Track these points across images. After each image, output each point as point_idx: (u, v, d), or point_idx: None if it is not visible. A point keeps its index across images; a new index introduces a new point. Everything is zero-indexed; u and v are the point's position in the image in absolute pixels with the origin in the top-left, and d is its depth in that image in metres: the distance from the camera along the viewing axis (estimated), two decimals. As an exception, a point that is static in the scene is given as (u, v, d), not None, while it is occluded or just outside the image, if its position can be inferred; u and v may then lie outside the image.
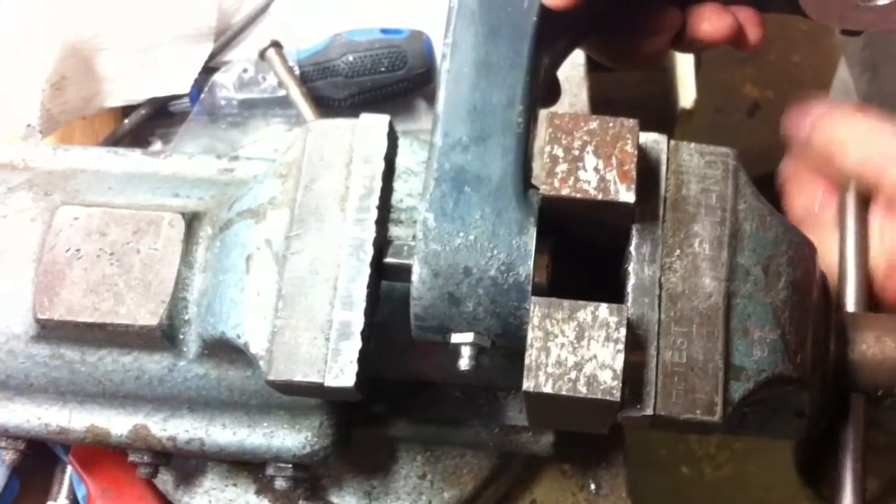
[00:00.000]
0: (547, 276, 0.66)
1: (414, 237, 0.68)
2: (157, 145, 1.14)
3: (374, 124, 0.73)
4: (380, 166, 0.71)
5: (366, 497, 0.90)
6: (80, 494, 0.99)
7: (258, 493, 0.91)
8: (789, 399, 0.75)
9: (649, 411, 0.63)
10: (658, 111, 1.52)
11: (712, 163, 0.68)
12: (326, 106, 1.10)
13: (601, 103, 1.23)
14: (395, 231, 0.86)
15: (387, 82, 1.09)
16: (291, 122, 1.10)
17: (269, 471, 0.84)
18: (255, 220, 0.75)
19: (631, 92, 1.44)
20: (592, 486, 0.97)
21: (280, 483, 0.84)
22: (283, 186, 0.74)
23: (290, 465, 0.83)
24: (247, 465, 0.91)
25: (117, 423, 0.83)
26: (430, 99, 1.12)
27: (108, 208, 0.82)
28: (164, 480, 0.93)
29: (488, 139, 0.68)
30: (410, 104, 1.13)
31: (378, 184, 0.71)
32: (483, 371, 0.69)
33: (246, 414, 0.82)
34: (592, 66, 1.19)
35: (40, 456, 0.95)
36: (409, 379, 0.85)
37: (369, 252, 0.69)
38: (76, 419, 0.83)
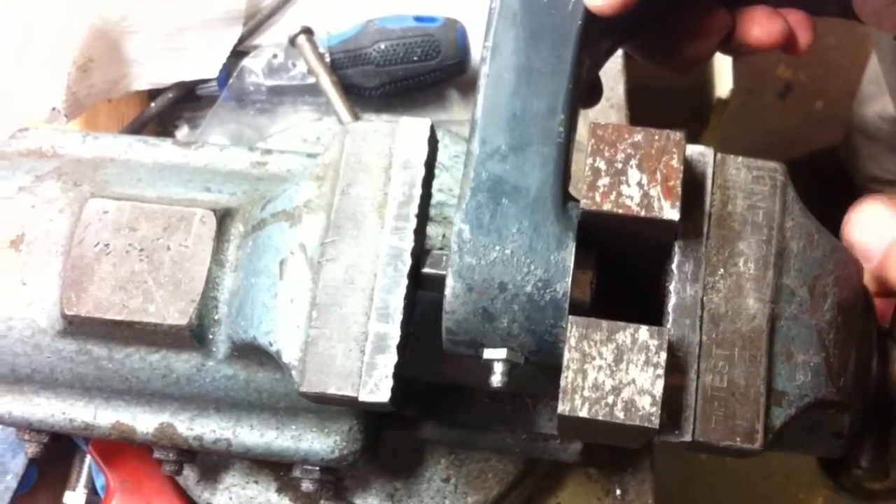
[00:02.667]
0: (591, 293, 0.64)
1: (446, 242, 0.66)
2: (184, 130, 1.13)
3: (415, 128, 0.71)
4: (420, 172, 0.70)
5: (388, 499, 0.90)
6: (98, 484, 0.99)
7: (279, 490, 0.90)
8: (828, 420, 0.73)
9: (688, 437, 0.62)
10: (694, 100, 1.49)
11: (760, 178, 0.66)
12: (356, 94, 1.07)
13: (638, 90, 1.20)
14: (424, 229, 0.84)
15: (419, 72, 1.06)
16: (321, 111, 1.09)
17: (296, 472, 0.83)
18: (290, 223, 0.73)
19: (667, 80, 1.41)
20: (618, 492, 0.96)
21: (307, 485, 0.83)
22: (320, 190, 0.72)
23: (318, 468, 0.82)
24: (269, 463, 0.91)
25: (143, 421, 0.82)
26: (463, 89, 1.10)
27: (138, 202, 0.80)
28: (185, 476, 0.92)
29: (527, 148, 0.66)
30: (442, 94, 1.11)
31: (418, 191, 0.69)
32: (513, 378, 0.68)
33: (274, 416, 0.81)
34: (629, 55, 1.16)
35: (59, 444, 0.94)
36: (438, 382, 0.83)
37: (407, 262, 0.67)
38: (101, 415, 0.83)
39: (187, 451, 0.84)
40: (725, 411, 0.62)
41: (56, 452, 0.98)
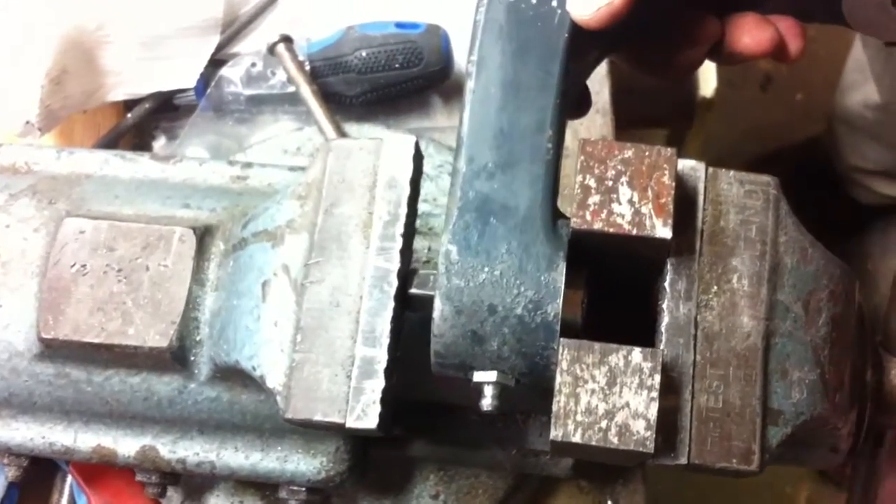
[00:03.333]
0: (581, 312, 0.63)
1: (432, 255, 0.64)
2: (161, 140, 1.10)
3: (400, 145, 0.69)
4: (405, 191, 0.68)
5: (377, 517, 0.88)
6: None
7: (265, 510, 0.88)
8: (824, 436, 0.72)
9: (683, 460, 0.60)
10: (679, 100, 1.48)
11: (752, 192, 0.65)
12: (338, 103, 1.05)
13: (623, 91, 1.19)
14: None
15: (401, 79, 1.04)
16: (301, 120, 1.06)
17: (282, 493, 0.81)
18: (272, 243, 0.71)
19: (652, 81, 1.40)
20: (609, 503, 0.95)
21: (293, 506, 0.81)
22: (303, 209, 0.71)
23: (304, 489, 0.80)
24: (255, 483, 0.88)
25: (124, 444, 0.80)
26: (447, 96, 1.08)
27: (116, 222, 0.78)
28: (169, 497, 0.90)
29: (516, 166, 0.64)
30: (426, 102, 1.09)
31: (404, 210, 0.67)
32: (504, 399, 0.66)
33: (259, 437, 0.79)
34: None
35: (39, 466, 0.92)
36: (427, 400, 0.82)
37: (394, 284, 0.66)
38: (81, 439, 0.81)
39: (170, 474, 0.82)
40: (721, 432, 0.61)
41: (37, 472, 0.96)
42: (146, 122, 1.10)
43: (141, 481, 0.83)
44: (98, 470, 0.94)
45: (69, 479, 0.98)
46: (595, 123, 1.06)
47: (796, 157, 2.41)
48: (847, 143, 2.24)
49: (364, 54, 1.03)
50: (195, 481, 0.90)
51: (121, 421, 0.80)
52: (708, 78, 1.45)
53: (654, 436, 0.58)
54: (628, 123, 1.16)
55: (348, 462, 0.79)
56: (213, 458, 0.79)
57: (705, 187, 0.65)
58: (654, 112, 1.47)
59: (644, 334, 0.63)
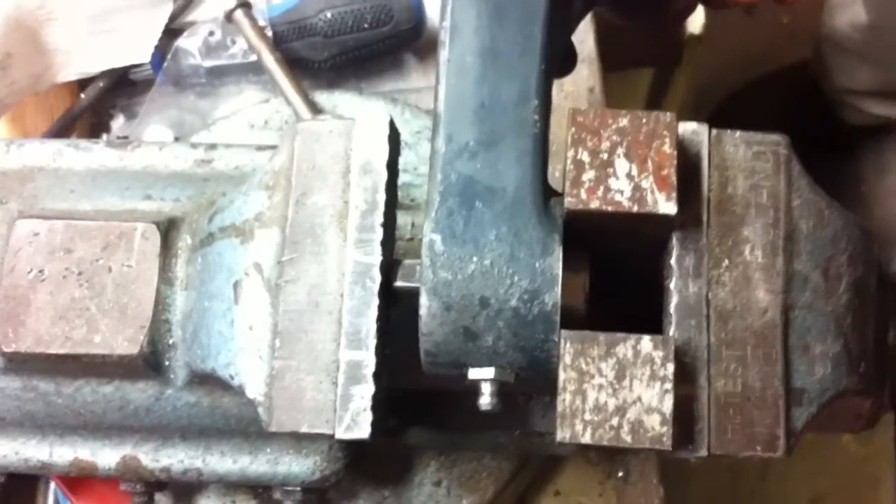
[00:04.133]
0: (585, 299, 0.57)
1: (416, 232, 0.59)
2: (120, 120, 1.04)
3: (373, 126, 0.63)
4: (382, 176, 0.62)
5: (377, 508, 0.84)
6: (65, 510, 0.92)
7: (259, 509, 0.84)
8: (849, 405, 0.68)
9: (703, 452, 0.56)
10: (666, 38, 1.41)
11: (761, 153, 0.59)
12: (304, 69, 0.99)
13: (608, 35, 1.11)
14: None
15: (371, 40, 0.97)
16: (268, 90, 1.00)
17: (277, 495, 0.77)
18: (241, 239, 0.66)
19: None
20: (620, 474, 0.91)
21: (289, 507, 0.77)
22: (271, 200, 0.65)
23: (299, 489, 0.76)
24: (247, 481, 0.84)
25: (104, 456, 0.76)
26: (421, 55, 1.02)
27: (72, 221, 0.73)
28: (157, 500, 0.86)
29: (500, 142, 0.59)
30: (399, 62, 1.02)
31: (382, 197, 0.62)
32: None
33: (246, 440, 0.75)
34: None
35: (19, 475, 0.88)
36: (421, 387, 0.77)
37: (376, 279, 0.60)
38: (58, 453, 0.76)
39: (156, 482, 0.77)
40: (742, 419, 0.56)
41: (19, 481, 0.92)
42: (102, 102, 1.04)
43: (126, 491, 0.78)
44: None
45: (53, 484, 0.93)
46: (581, 75, 0.99)
47: (784, 82, 2.35)
48: (836, 64, 2.18)
49: (329, 15, 0.96)
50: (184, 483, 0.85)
51: (97, 432, 0.76)
52: (695, 14, 1.38)
53: (670, 431, 0.53)
54: (614, 66, 1.09)
55: (343, 460, 0.75)
56: (199, 465, 0.75)
57: (709, 152, 0.59)
58: (640, 53, 1.40)
59: (650, 318, 0.58)
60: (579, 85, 1.00)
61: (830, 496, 1.83)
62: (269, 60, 0.95)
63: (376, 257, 0.61)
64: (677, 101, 1.68)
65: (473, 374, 0.59)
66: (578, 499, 0.91)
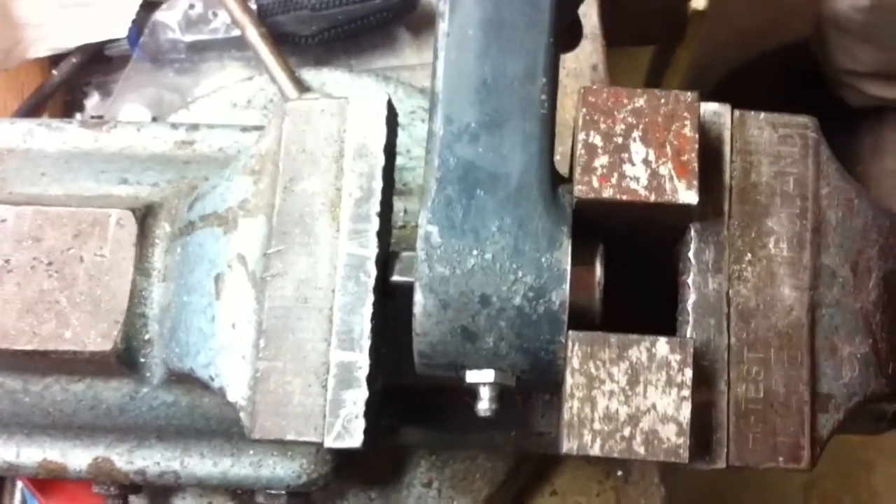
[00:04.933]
0: (599, 297, 0.53)
1: (409, 219, 0.55)
2: (95, 98, 0.99)
3: (369, 105, 0.59)
4: (379, 161, 0.58)
5: (364, 510, 0.79)
6: (32, 509, 0.88)
7: (237, 510, 0.80)
8: (872, 408, 0.63)
9: (721, 463, 0.52)
10: (670, 14, 1.36)
11: (787, 137, 0.55)
12: (291, 44, 0.94)
13: (610, 9, 1.06)
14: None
15: (362, 13, 0.92)
16: (251, 66, 0.95)
17: (259, 499, 0.73)
18: (223, 228, 0.61)
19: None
20: (620, 473, 0.86)
21: (273, 512, 0.72)
22: (257, 186, 0.60)
23: (284, 493, 0.71)
24: (226, 483, 0.80)
25: (74, 457, 0.72)
26: (415, 29, 0.97)
27: (42, 206, 0.68)
28: (132, 502, 0.81)
29: (504, 124, 0.54)
30: (391, 36, 0.97)
31: (378, 184, 0.57)
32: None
33: (227, 441, 0.70)
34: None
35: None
36: (414, 385, 0.73)
37: (372, 273, 0.56)
38: (25, 454, 0.72)
39: (131, 485, 0.73)
40: (764, 427, 0.52)
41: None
42: (76, 79, 0.99)
43: (99, 494, 0.74)
44: (51, 474, 0.85)
45: (20, 483, 0.89)
46: (584, 51, 0.94)
47: (783, 61, 2.32)
48: (837, 45, 2.15)
49: (317, -13, 0.91)
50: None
51: (68, 432, 0.72)
52: (699, -12, 1.33)
53: (687, 442, 0.49)
54: (616, 42, 1.04)
55: (332, 462, 0.70)
56: (177, 467, 0.71)
57: (732, 135, 0.54)
58: (643, 29, 1.36)
59: (663, 317, 0.53)
60: (582, 62, 0.95)
61: (824, 481, 1.80)
62: (253, 35, 0.90)
63: (372, 249, 0.56)
64: (678, 79, 1.63)
65: (471, 377, 0.54)
66: (576, 499, 0.87)
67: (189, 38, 0.95)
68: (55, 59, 0.98)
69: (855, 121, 2.16)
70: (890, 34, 1.88)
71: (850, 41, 2.11)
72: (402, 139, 0.85)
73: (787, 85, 2.10)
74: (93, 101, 0.99)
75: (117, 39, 0.96)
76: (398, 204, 0.75)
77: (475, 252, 0.52)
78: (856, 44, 2.11)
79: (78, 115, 0.99)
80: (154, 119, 0.92)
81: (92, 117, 0.96)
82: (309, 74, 0.90)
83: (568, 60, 0.93)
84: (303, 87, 0.88)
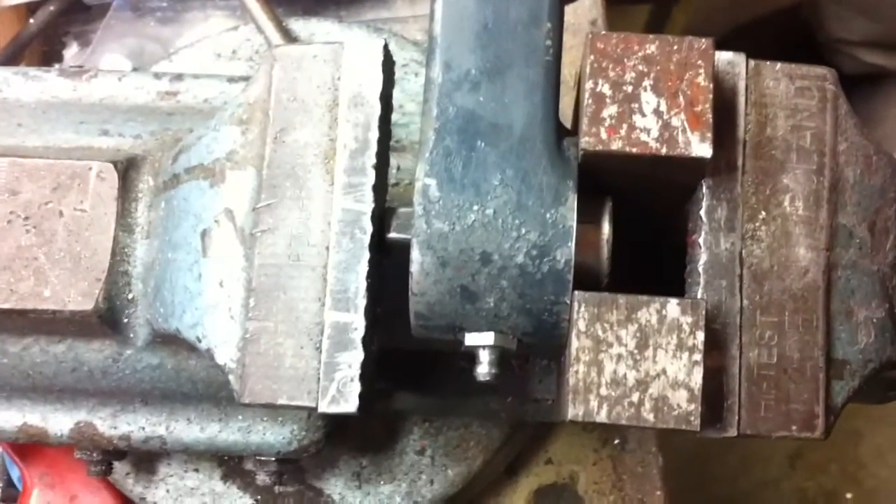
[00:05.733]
0: (608, 256, 0.50)
1: (402, 176, 0.52)
2: (73, 48, 0.96)
3: (365, 51, 0.56)
4: (375, 110, 0.55)
5: (354, 479, 0.77)
6: (13, 475, 0.85)
7: (225, 478, 0.77)
8: (884, 376, 0.61)
9: (733, 431, 0.49)
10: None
11: (805, 89, 0.52)
12: (278, -7, 0.90)
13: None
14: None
15: (353, -38, 0.89)
16: (236, 16, 0.92)
17: (248, 465, 0.71)
18: (210, 181, 0.58)
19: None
20: (617, 441, 0.84)
21: (263, 478, 0.70)
22: (245, 137, 0.58)
23: (274, 460, 0.69)
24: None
25: (55, 422, 0.69)
26: (408, -20, 0.93)
27: (19, 158, 0.66)
28: (116, 468, 0.79)
29: (506, 71, 0.51)
30: (382, -13, 0.94)
31: (374, 134, 0.54)
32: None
33: (215, 406, 0.68)
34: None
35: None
36: (408, 348, 0.70)
37: (367, 229, 0.53)
38: (4, 418, 0.70)
39: (114, 451, 0.70)
40: (777, 394, 0.50)
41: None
42: (54, 28, 0.96)
43: (81, 459, 0.71)
44: (31, 439, 0.83)
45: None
46: (583, 5, 0.91)
47: (776, 27, 2.29)
48: (830, 12, 2.13)
49: (307, -66, 0.87)
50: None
51: (48, 395, 0.69)
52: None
53: (699, 409, 0.47)
54: (611, 0, 1.01)
55: (324, 428, 0.68)
56: (163, 432, 0.69)
57: (746, 86, 0.52)
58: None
59: (673, 278, 0.51)
60: (580, 16, 0.92)
61: (810, 451, 1.80)
62: (239, -18, 0.86)
63: (367, 204, 0.53)
64: (673, 41, 1.60)
65: (471, 339, 0.52)
66: (572, 467, 0.85)
67: (171, -15, 0.92)
68: (32, 8, 0.95)
69: (847, 90, 2.14)
70: (885, 6, 1.85)
71: (843, 8, 2.09)
72: (395, 94, 0.82)
73: (779, 51, 2.07)
74: (71, 52, 0.96)
75: (97, -14, 0.93)
76: (391, 161, 0.73)
77: (476, 207, 0.50)
78: (849, 12, 2.08)
79: (56, 66, 0.95)
80: (135, 70, 0.89)
81: (70, 67, 0.93)
82: (297, 25, 0.87)
83: (566, 15, 0.90)
84: (290, 38, 0.84)
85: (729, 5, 2.39)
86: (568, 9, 0.86)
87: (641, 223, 0.54)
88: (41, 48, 0.96)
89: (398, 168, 0.74)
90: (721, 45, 0.59)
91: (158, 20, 0.93)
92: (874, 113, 2.15)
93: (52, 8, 0.92)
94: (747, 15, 2.31)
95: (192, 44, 0.86)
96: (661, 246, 0.56)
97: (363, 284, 0.53)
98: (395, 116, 0.79)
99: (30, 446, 0.82)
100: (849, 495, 1.72)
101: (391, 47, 0.86)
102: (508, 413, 0.74)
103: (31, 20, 0.94)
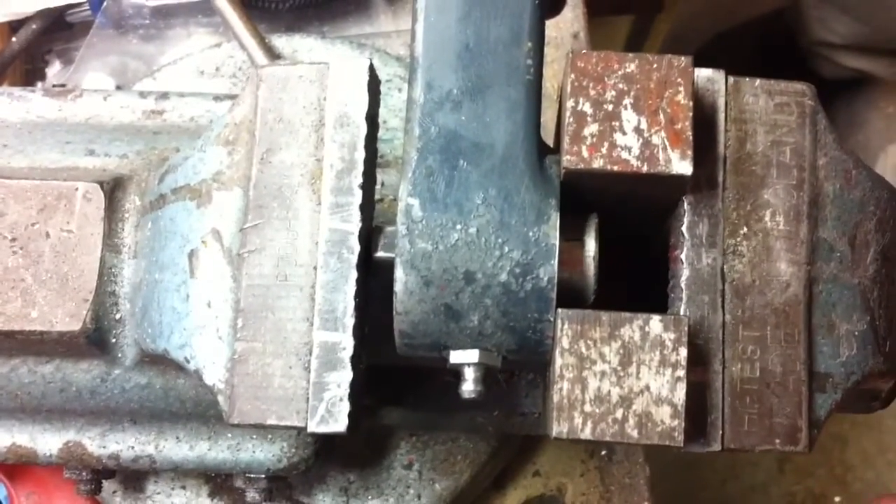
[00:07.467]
0: (594, 273, 0.50)
1: (386, 192, 0.52)
2: (56, 66, 0.96)
3: (351, 71, 0.56)
4: (361, 130, 0.55)
5: (342, 494, 0.77)
6: (0, 495, 0.85)
7: (212, 495, 0.77)
8: (868, 387, 0.62)
9: (716, 446, 0.50)
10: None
11: (784, 105, 0.52)
12: (261, 10, 0.90)
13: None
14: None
15: (334, -23, 0.89)
16: (219, 33, 0.91)
17: (238, 483, 0.71)
18: (196, 201, 0.58)
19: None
20: (604, 452, 0.84)
21: (252, 496, 0.70)
22: (232, 158, 0.58)
23: (264, 478, 0.69)
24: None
25: (44, 442, 0.69)
26: (391, -6, 0.93)
27: (5, 179, 0.66)
28: (105, 487, 0.79)
29: (488, 91, 0.51)
30: (365, 2, 0.93)
31: (361, 154, 0.55)
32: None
33: (204, 424, 0.68)
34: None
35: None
36: (395, 364, 0.70)
37: (355, 249, 0.53)
38: None
39: (104, 470, 0.70)
40: (760, 408, 0.50)
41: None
42: (36, 46, 0.96)
43: (70, 479, 0.71)
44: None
45: (-14, 467, 0.86)
46: (565, 18, 0.91)
47: (759, 32, 2.30)
48: (815, 16, 2.14)
49: (287, -51, 0.88)
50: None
51: (37, 416, 0.69)
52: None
53: (682, 425, 0.47)
54: (594, 11, 1.02)
55: (314, 445, 0.68)
56: (152, 451, 0.69)
57: (726, 103, 0.52)
58: (622, -2, 1.33)
59: (653, 294, 0.51)
60: (563, 30, 0.92)
61: (798, 456, 1.80)
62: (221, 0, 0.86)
63: (354, 224, 0.53)
64: (656, 50, 1.61)
65: (455, 357, 0.52)
66: (559, 479, 0.85)
67: (153, 2, 0.92)
68: (14, 26, 0.94)
69: (828, 95, 2.15)
70: (868, 4, 1.86)
71: (826, 11, 2.10)
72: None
73: (761, 57, 2.08)
74: (54, 70, 0.96)
75: (79, 4, 0.93)
76: (376, 177, 0.73)
77: (458, 226, 0.50)
78: (833, 14, 2.09)
79: (39, 84, 0.95)
80: (118, 87, 0.89)
81: (54, 86, 0.93)
82: (280, 41, 0.87)
83: (548, 28, 0.89)
84: (273, 55, 0.85)
85: (710, 12, 2.40)
86: (550, 22, 0.87)
87: (624, 240, 0.54)
88: (24, 66, 0.96)
89: (382, 184, 0.74)
90: (703, 53, 0.60)
91: (141, 37, 0.93)
92: (856, 117, 2.17)
93: (34, 26, 0.92)
94: (729, 21, 2.32)
95: (175, 61, 0.86)
96: (645, 263, 0.57)
97: (351, 304, 0.53)
98: (378, 132, 0.80)
99: (19, 466, 0.82)
100: (837, 499, 1.73)
101: (374, 63, 0.87)
102: (495, 427, 0.74)
103: (14, 38, 0.93)
